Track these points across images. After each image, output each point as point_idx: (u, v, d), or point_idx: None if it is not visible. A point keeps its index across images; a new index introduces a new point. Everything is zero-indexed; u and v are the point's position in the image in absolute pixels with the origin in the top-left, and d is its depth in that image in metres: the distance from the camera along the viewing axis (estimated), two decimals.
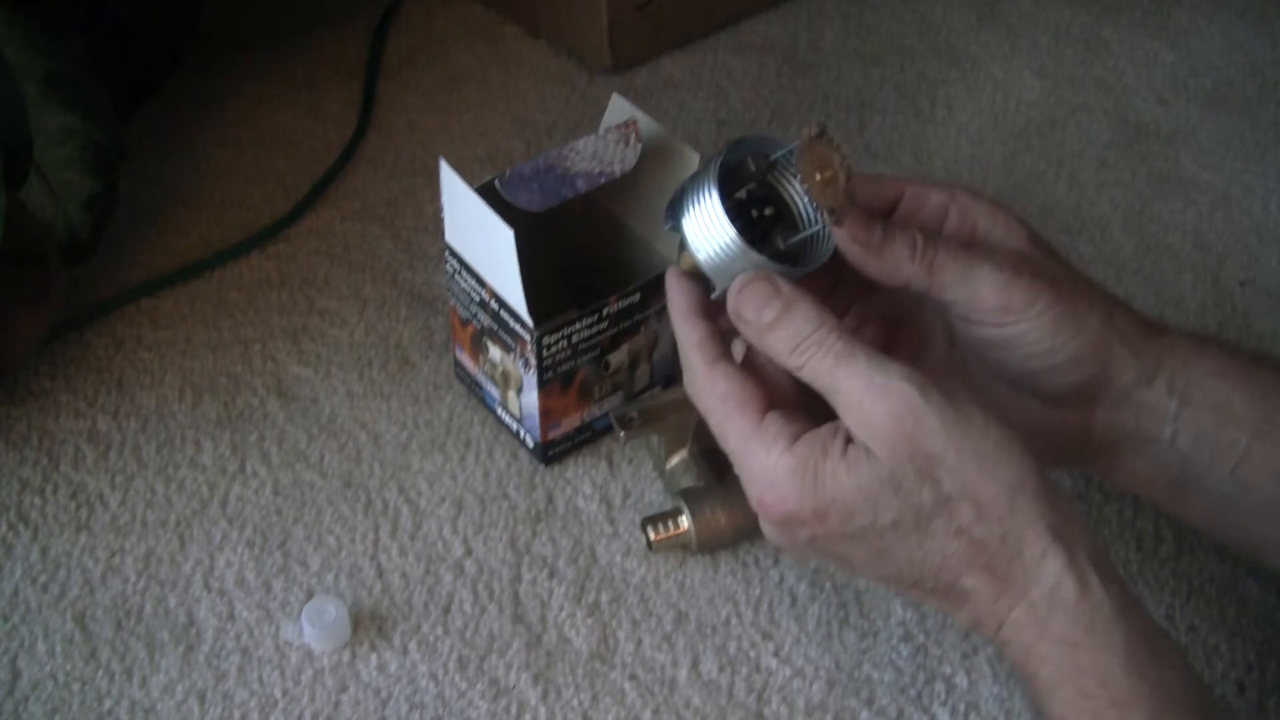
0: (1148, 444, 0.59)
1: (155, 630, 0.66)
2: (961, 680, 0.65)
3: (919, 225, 0.58)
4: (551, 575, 0.69)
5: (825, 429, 0.54)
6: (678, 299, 0.58)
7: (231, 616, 0.67)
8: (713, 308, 0.58)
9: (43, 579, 0.68)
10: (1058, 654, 0.52)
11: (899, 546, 0.53)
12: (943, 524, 0.52)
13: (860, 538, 0.53)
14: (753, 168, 0.58)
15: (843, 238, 0.56)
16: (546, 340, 0.68)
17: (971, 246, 0.57)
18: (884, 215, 0.60)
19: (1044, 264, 0.58)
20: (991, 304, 0.56)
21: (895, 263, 0.56)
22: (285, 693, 0.64)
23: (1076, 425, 0.59)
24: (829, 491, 0.53)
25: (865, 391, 0.52)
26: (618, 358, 0.72)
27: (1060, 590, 0.52)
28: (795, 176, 0.58)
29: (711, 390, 0.56)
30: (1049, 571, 0.52)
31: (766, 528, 0.56)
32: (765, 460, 0.54)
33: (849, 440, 0.53)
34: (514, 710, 0.64)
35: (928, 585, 0.54)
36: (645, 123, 0.70)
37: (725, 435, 0.56)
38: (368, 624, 0.67)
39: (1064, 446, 0.60)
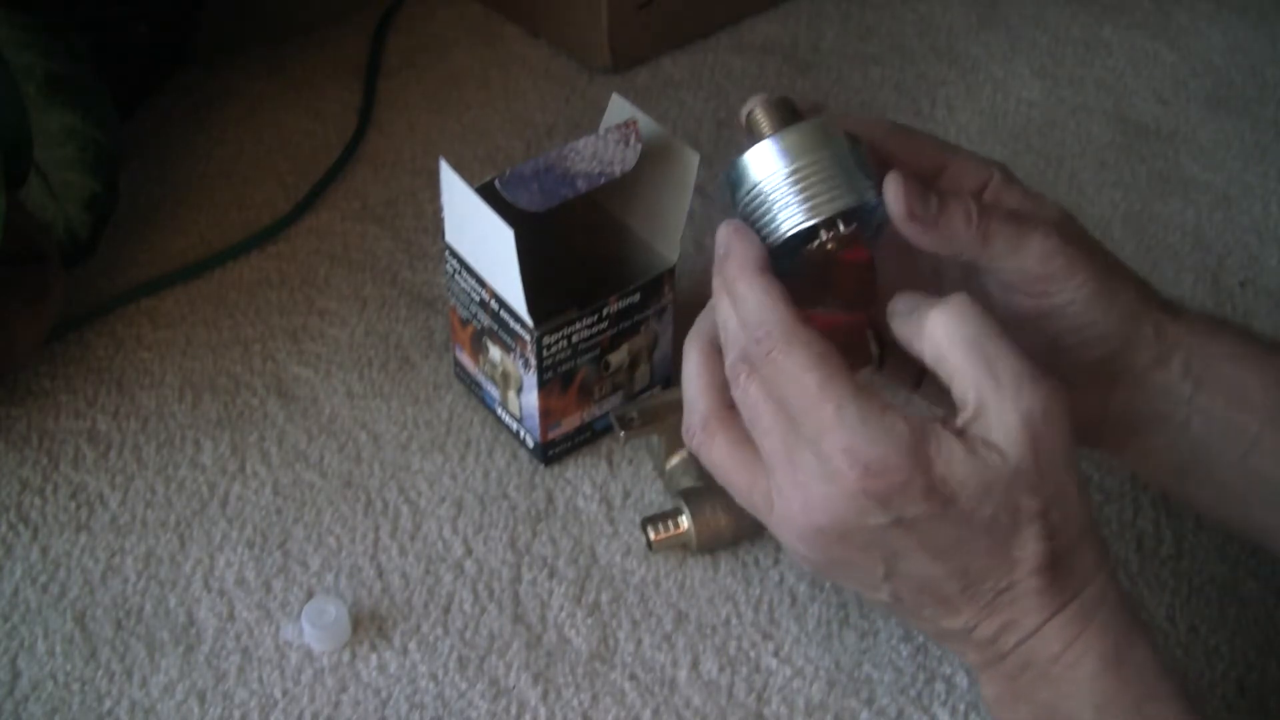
0: (1160, 427, 0.59)
1: (155, 630, 0.66)
2: (961, 680, 0.65)
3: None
4: (551, 575, 0.69)
5: (936, 415, 0.52)
6: (749, 250, 0.54)
7: (231, 616, 0.67)
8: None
9: (43, 579, 0.68)
10: (1104, 643, 0.52)
11: (982, 540, 0.52)
12: (1035, 531, 0.52)
13: (948, 523, 0.51)
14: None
15: (898, 210, 0.54)
16: (546, 340, 0.68)
17: (1021, 214, 0.56)
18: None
19: (1084, 235, 0.58)
20: (1037, 273, 0.56)
21: (950, 233, 0.55)
22: (285, 693, 0.64)
23: (1093, 406, 0.59)
24: (940, 470, 0.51)
25: (1007, 383, 0.51)
26: (618, 358, 0.72)
27: (1109, 589, 0.53)
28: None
29: (808, 345, 0.52)
30: (1101, 575, 0.53)
31: (833, 510, 0.51)
32: (879, 424, 0.51)
33: (959, 426, 0.51)
34: (514, 710, 0.64)
35: (984, 585, 0.53)
36: (645, 123, 0.70)
37: (821, 398, 0.51)
38: (368, 624, 0.67)
39: (1078, 427, 0.60)
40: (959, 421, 0.52)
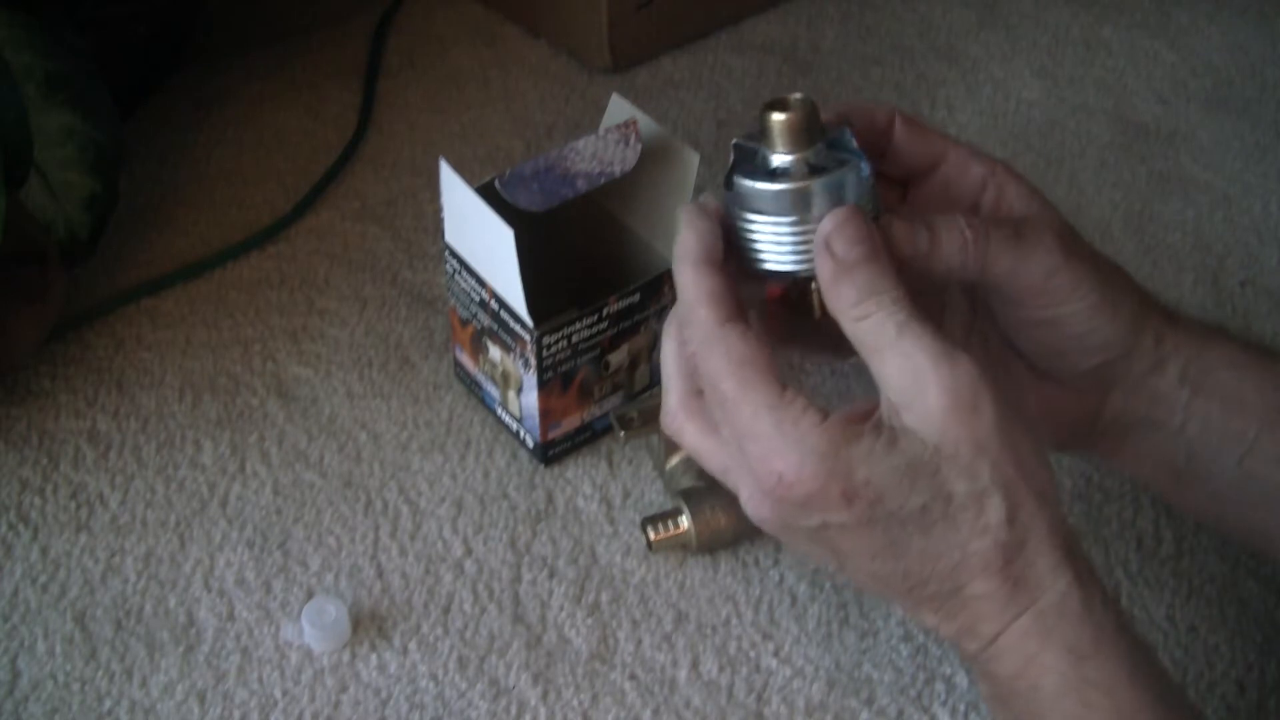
0: (1155, 431, 0.59)
1: (155, 630, 0.66)
2: (961, 680, 0.65)
3: (956, 199, 0.57)
4: (551, 575, 0.69)
5: (854, 408, 0.52)
6: (691, 241, 0.54)
7: (231, 616, 0.67)
8: (726, 264, 0.55)
9: (43, 579, 0.69)
10: (1065, 664, 0.51)
11: (916, 539, 0.51)
12: (970, 518, 0.50)
13: (878, 526, 0.51)
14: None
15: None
16: (546, 340, 0.68)
17: (1021, 231, 0.56)
18: (922, 173, 0.59)
19: (1083, 244, 0.58)
20: (1040, 288, 0.56)
21: (946, 263, 0.54)
22: (285, 693, 0.64)
23: (1088, 409, 0.59)
24: (862, 473, 0.50)
25: (926, 362, 0.50)
26: (618, 358, 0.72)
27: (1068, 601, 0.51)
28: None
29: (726, 352, 0.52)
30: (1060, 582, 0.51)
31: (769, 508, 0.52)
32: (793, 433, 0.50)
33: (882, 422, 0.51)
34: (514, 710, 0.64)
35: (929, 588, 0.52)
36: (645, 123, 0.70)
37: (737, 404, 0.52)
38: (368, 624, 0.67)
39: (1071, 430, 0.60)
40: (884, 415, 0.51)
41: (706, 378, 0.53)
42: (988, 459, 0.50)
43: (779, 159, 0.54)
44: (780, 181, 0.54)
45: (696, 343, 0.53)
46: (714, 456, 0.55)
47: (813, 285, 0.55)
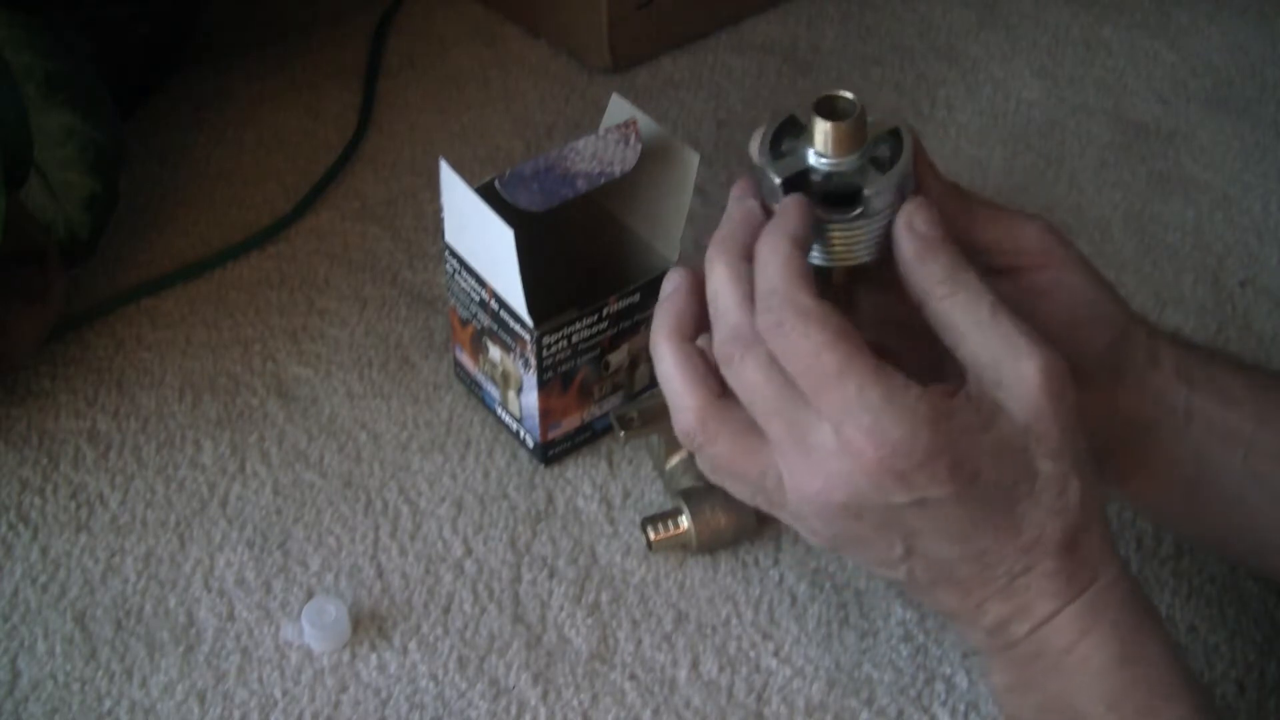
0: (1164, 434, 0.59)
1: (155, 630, 0.67)
2: (961, 680, 0.65)
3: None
4: (551, 575, 0.69)
5: (947, 385, 0.52)
6: (798, 224, 0.53)
7: (231, 616, 0.67)
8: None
9: (43, 579, 0.69)
10: (1114, 640, 0.52)
11: (1002, 517, 0.51)
12: (1051, 498, 0.51)
13: (971, 502, 0.51)
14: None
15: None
16: (546, 340, 0.68)
17: (1000, 204, 0.58)
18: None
19: None
20: (1037, 246, 0.57)
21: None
22: (285, 693, 0.64)
23: (1102, 410, 0.59)
24: (964, 446, 0.50)
25: (1023, 342, 0.51)
26: (618, 358, 0.72)
27: (1120, 583, 0.53)
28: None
29: (825, 325, 0.51)
30: (1114, 566, 0.53)
31: (852, 488, 0.51)
32: (903, 402, 0.50)
33: (972, 397, 0.51)
34: (514, 710, 0.64)
35: (1001, 568, 0.52)
36: (645, 123, 0.70)
37: (842, 377, 0.50)
38: (368, 624, 0.67)
39: (1089, 442, 0.61)
40: (973, 390, 0.51)
41: (797, 351, 0.51)
42: (1071, 442, 0.52)
43: (838, 162, 0.54)
44: (858, 191, 0.54)
45: (787, 312, 0.51)
46: (749, 459, 0.53)
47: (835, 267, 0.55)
